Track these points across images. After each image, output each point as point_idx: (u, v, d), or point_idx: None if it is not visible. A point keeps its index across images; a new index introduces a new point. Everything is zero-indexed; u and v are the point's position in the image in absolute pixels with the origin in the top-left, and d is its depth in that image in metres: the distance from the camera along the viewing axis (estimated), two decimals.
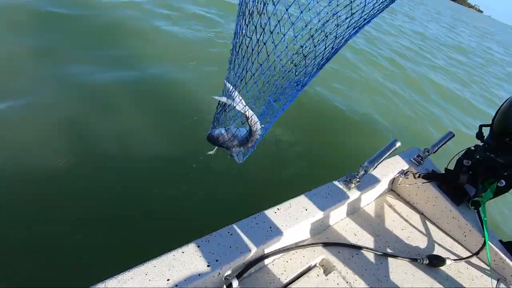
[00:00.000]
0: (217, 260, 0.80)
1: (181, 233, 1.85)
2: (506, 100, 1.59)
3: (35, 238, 1.70)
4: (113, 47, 3.80)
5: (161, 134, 2.62)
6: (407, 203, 1.66)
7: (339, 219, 1.34)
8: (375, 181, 1.46)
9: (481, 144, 1.65)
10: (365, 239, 1.29)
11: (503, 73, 11.68)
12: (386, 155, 1.28)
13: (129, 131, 2.57)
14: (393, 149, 1.28)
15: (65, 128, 2.42)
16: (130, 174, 2.21)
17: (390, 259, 1.23)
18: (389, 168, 1.58)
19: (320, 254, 1.12)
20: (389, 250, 1.28)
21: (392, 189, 1.72)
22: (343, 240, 1.24)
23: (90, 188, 2.04)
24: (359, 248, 1.21)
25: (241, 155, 1.07)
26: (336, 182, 1.31)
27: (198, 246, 0.82)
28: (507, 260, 1.35)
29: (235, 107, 0.85)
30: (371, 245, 1.27)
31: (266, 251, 0.99)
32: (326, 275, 1.05)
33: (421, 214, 1.60)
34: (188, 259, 0.78)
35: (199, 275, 0.76)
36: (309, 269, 1.06)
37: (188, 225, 1.94)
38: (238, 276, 0.89)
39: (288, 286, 0.96)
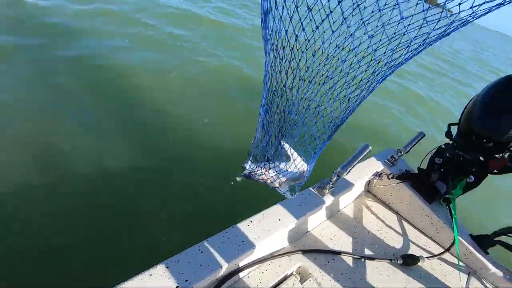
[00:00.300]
0: (186, 280, 0.79)
1: (152, 254, 1.82)
2: (471, 99, 1.66)
3: None
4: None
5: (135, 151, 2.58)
6: (383, 203, 1.70)
7: (315, 225, 1.35)
8: (350, 184, 1.48)
9: (450, 142, 1.72)
10: (342, 243, 1.31)
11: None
12: (358, 159, 1.30)
13: (101, 145, 2.51)
14: (365, 153, 1.31)
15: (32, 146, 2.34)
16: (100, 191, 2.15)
17: (366, 262, 1.25)
18: (364, 171, 1.61)
19: (296, 262, 1.13)
20: (365, 253, 1.31)
21: (368, 190, 1.76)
22: (320, 246, 1.25)
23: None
24: (336, 253, 1.23)
25: (288, 193, 0.98)
26: (310, 189, 1.33)
27: (167, 267, 0.81)
28: (477, 253, 1.41)
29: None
30: (348, 249, 1.29)
31: (240, 264, 0.98)
32: (302, 283, 1.06)
33: (397, 213, 1.64)
34: (155, 282, 0.77)
35: None
36: (285, 278, 1.06)
37: (156, 246, 1.90)
38: None
39: None
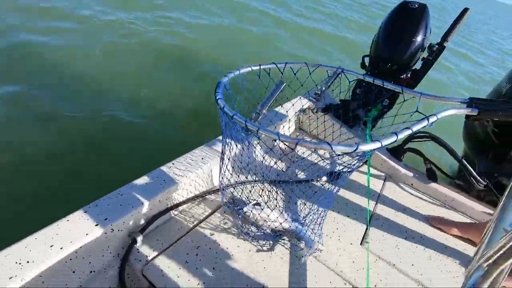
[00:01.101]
0: (106, 219, 0.83)
1: None
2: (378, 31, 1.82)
3: None
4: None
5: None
6: (314, 137, 1.85)
7: (244, 164, 1.45)
8: (280, 122, 1.59)
9: (365, 72, 1.88)
10: (271, 175, 1.43)
11: None
12: (275, 96, 1.39)
13: None
14: (281, 89, 1.39)
15: None
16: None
17: (294, 185, 1.39)
18: (291, 109, 1.72)
19: (227, 195, 1.22)
20: (292, 178, 1.44)
21: (299, 127, 1.89)
22: (249, 179, 1.35)
23: None
24: (266, 182, 1.34)
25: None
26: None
27: (85, 212, 0.84)
28: (391, 161, 1.62)
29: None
30: (276, 178, 1.41)
31: (168, 203, 1.04)
32: (230, 213, 1.16)
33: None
34: (73, 226, 0.80)
35: (87, 234, 0.79)
36: (217, 208, 1.14)
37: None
38: (142, 231, 0.94)
39: (195, 228, 1.04)
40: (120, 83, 3.12)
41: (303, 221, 1.15)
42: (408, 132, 0.64)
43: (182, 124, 2.76)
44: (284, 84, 1.40)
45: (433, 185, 1.56)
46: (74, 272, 0.79)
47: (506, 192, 0.50)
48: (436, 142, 1.49)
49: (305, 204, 1.26)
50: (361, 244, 1.14)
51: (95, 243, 0.81)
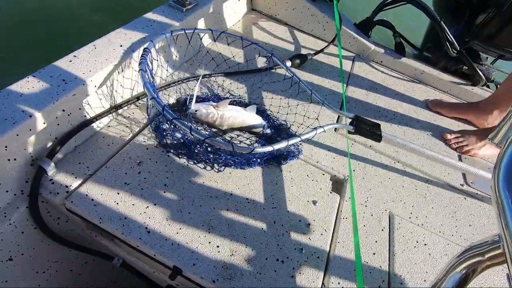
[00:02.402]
0: None
1: None
2: None
3: None
4: None
5: None
6: (270, 17, 1.49)
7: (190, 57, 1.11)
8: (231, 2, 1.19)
9: None
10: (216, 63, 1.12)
11: None
12: None
13: None
14: None
15: None
16: None
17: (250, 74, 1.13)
18: None
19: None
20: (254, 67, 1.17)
21: (253, 8, 1.51)
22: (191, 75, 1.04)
23: None
24: (212, 75, 1.05)
25: None
26: (161, 7, 1.00)
27: None
28: (360, 38, 1.40)
29: None
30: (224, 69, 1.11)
31: (78, 115, 0.73)
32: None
33: (285, 24, 1.48)
34: None
35: None
36: (150, 122, 0.86)
37: None
38: (50, 155, 0.66)
39: (132, 141, 0.78)
40: None
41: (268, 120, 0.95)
42: (297, 139, 0.69)
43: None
44: None
45: (402, 60, 1.41)
46: None
47: None
48: (413, 5, 1.26)
49: (270, 97, 1.03)
50: (335, 130, 1.00)
51: None
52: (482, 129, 1.16)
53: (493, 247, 0.35)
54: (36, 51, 1.82)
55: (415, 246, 0.76)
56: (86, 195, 0.65)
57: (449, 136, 1.10)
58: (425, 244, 0.77)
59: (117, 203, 0.65)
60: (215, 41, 0.95)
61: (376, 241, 0.74)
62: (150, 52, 0.75)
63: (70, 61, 0.72)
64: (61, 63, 0.71)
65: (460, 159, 1.07)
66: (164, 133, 0.80)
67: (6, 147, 0.57)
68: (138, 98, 0.87)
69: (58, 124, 0.68)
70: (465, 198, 0.93)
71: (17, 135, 0.58)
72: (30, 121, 0.60)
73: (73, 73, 0.70)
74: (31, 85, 0.65)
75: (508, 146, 0.35)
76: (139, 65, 0.70)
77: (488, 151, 1.08)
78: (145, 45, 0.80)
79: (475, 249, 0.38)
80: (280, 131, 0.92)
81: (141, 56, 0.72)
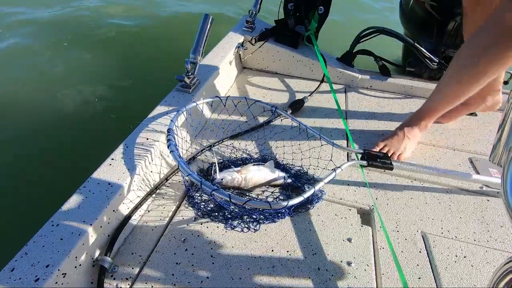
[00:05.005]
0: (47, 266, 0.61)
1: None
2: None
3: None
4: None
5: None
6: (262, 71, 1.65)
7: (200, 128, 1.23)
8: (219, 64, 1.34)
9: None
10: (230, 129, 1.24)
11: None
12: (206, 33, 1.12)
13: None
14: (209, 25, 1.12)
15: None
16: None
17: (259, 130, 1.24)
18: (226, 49, 1.47)
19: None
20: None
21: (244, 67, 1.67)
22: (215, 138, 1.15)
23: None
24: (226, 140, 1.16)
25: None
26: (171, 93, 1.14)
27: (12, 270, 0.60)
28: (345, 71, 1.53)
29: None
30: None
31: (123, 209, 0.82)
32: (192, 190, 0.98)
33: (276, 73, 1.63)
34: None
35: None
36: (183, 197, 0.95)
37: None
38: (107, 253, 0.73)
39: (172, 221, 0.86)
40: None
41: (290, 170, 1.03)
42: (321, 184, 0.78)
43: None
44: (211, 17, 1.12)
45: (390, 80, 1.53)
46: None
47: None
48: (385, 34, 1.41)
49: (283, 146, 1.13)
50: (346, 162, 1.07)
51: None
52: (398, 127, 1.16)
53: None
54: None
55: (455, 261, 0.79)
56: (146, 282, 0.71)
57: (374, 152, 1.04)
58: (464, 257, 0.80)
59: (174, 284, 0.71)
60: (224, 106, 1.08)
61: (417, 265, 0.78)
62: (174, 131, 0.86)
63: (110, 164, 0.83)
64: (103, 168, 0.82)
65: (471, 162, 1.13)
66: (200, 205, 0.88)
67: (76, 257, 0.65)
68: (167, 179, 0.97)
69: (108, 223, 0.77)
70: (488, 200, 0.97)
71: (83, 244, 0.66)
72: (91, 229, 0.68)
73: (115, 175, 0.80)
74: (85, 195, 0.75)
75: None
76: (168, 147, 0.80)
77: (413, 146, 1.11)
78: (168, 126, 0.91)
79: None
80: (299, 177, 1.00)
81: (168, 138, 0.83)
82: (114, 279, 0.72)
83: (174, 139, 0.84)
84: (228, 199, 0.67)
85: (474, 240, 0.85)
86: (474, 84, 0.94)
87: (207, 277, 0.73)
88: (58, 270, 0.61)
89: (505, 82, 1.54)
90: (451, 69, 1.00)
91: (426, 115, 1.12)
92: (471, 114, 1.38)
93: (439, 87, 1.07)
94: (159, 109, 1.06)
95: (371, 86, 1.55)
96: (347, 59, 1.59)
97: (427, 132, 1.24)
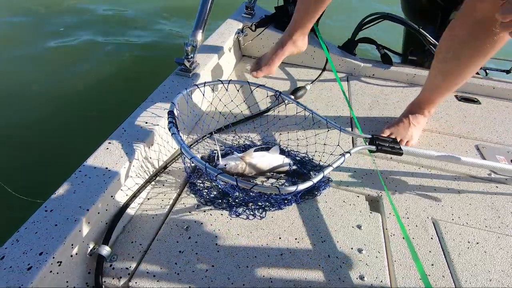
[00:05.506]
0: (41, 253, 0.56)
1: None
2: None
3: None
4: None
5: None
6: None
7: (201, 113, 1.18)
8: (219, 51, 1.29)
9: None
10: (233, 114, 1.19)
11: None
12: (207, 13, 1.07)
13: None
14: (209, 4, 1.07)
15: None
16: None
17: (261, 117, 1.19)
18: (226, 34, 1.41)
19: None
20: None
21: (243, 54, 1.62)
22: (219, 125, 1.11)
23: None
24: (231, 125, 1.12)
25: None
26: (170, 77, 1.09)
27: (2, 258, 0.55)
28: (347, 59, 1.50)
29: None
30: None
31: (121, 196, 0.77)
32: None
33: None
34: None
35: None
36: (184, 184, 0.90)
37: None
38: (106, 241, 0.69)
39: (173, 208, 0.81)
40: None
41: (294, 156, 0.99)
42: (330, 169, 0.74)
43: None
44: None
45: (392, 69, 1.50)
46: None
47: None
48: (390, 20, 1.38)
49: (287, 132, 1.09)
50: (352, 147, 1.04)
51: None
52: (402, 114, 1.14)
53: None
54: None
55: (468, 247, 0.77)
56: (147, 272, 0.67)
57: (382, 137, 0.98)
58: (477, 243, 0.78)
59: (178, 274, 0.67)
60: (227, 90, 1.03)
61: (430, 251, 0.75)
62: (174, 114, 0.81)
63: (107, 148, 0.78)
64: (100, 152, 0.77)
65: (478, 149, 1.11)
66: (203, 192, 0.84)
67: (72, 245, 0.60)
68: (166, 166, 0.92)
69: (106, 210, 0.72)
70: (497, 187, 0.95)
71: (79, 231, 0.62)
72: (88, 215, 0.63)
73: (112, 159, 0.75)
74: (81, 180, 0.69)
75: None
76: (169, 129, 0.76)
77: (419, 133, 1.10)
78: (169, 108, 0.86)
79: None
80: (305, 164, 0.96)
81: (168, 121, 0.78)
82: (113, 268, 0.67)
83: (175, 121, 0.79)
84: (234, 182, 0.63)
85: (486, 226, 0.83)
86: (460, 74, 0.97)
87: (212, 266, 0.69)
88: (53, 258, 0.56)
89: (507, 71, 1.53)
90: (436, 60, 1.02)
91: (426, 102, 1.10)
92: (475, 102, 1.36)
93: (429, 76, 1.07)
94: (158, 92, 1.01)
95: (373, 75, 1.52)
96: (349, 47, 1.56)
97: (432, 120, 1.21)
